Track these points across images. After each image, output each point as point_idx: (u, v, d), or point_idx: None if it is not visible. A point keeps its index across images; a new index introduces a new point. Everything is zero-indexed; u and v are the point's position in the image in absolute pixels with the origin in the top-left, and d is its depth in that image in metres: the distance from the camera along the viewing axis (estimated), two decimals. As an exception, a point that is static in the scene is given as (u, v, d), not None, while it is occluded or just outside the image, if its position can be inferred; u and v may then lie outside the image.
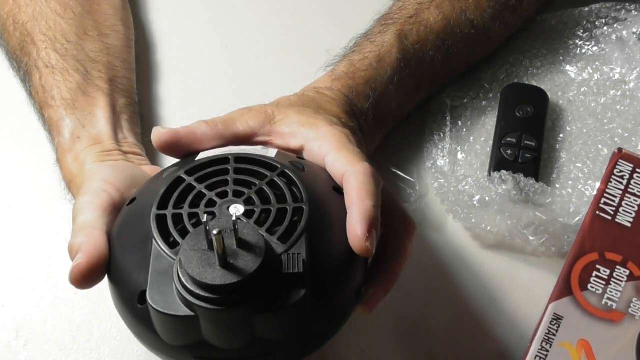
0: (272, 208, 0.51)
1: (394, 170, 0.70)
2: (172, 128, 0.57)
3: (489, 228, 0.65)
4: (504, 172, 0.66)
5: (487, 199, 0.65)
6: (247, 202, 0.51)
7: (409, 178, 0.70)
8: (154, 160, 0.68)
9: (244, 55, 0.80)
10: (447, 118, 0.73)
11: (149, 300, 0.47)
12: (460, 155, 0.71)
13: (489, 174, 0.68)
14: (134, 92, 0.72)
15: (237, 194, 0.52)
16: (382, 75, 0.67)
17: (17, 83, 0.74)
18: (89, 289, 0.63)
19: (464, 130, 0.73)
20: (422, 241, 0.66)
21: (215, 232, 0.44)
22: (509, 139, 0.70)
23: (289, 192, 0.52)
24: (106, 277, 0.53)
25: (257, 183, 0.52)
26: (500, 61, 0.77)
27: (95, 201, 0.56)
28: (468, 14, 0.72)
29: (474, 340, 0.62)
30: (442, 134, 0.72)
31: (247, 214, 0.50)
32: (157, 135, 0.57)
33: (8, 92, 0.76)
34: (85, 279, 0.52)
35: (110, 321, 0.62)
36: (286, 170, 0.53)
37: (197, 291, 0.46)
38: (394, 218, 0.57)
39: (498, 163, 0.68)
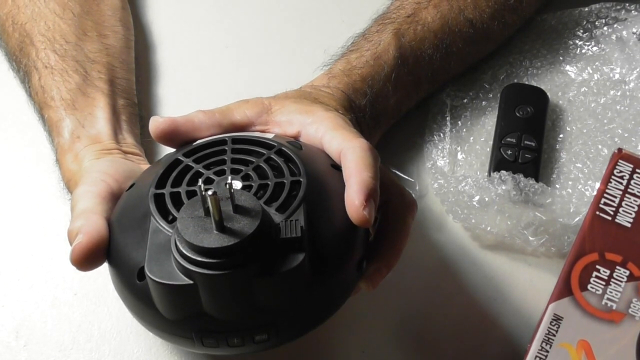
0: (269, 182, 0.51)
1: (394, 170, 0.70)
2: (170, 117, 0.57)
3: (488, 228, 0.65)
4: (503, 172, 0.66)
5: (486, 199, 0.65)
6: (245, 178, 0.52)
7: (409, 178, 0.70)
8: (152, 161, 0.68)
9: (243, 56, 0.80)
10: (447, 118, 0.73)
11: (147, 272, 0.47)
12: (460, 156, 0.71)
13: (489, 174, 0.68)
14: (133, 93, 0.72)
15: (235, 172, 0.52)
16: (379, 73, 0.67)
17: (16, 84, 0.74)
18: (89, 290, 0.64)
19: (464, 130, 0.73)
20: (421, 241, 0.66)
21: (210, 192, 0.44)
22: (508, 139, 0.70)
23: (287, 168, 0.52)
24: (107, 268, 0.53)
25: (255, 161, 0.53)
26: (500, 61, 0.77)
27: (93, 190, 0.56)
28: (466, 13, 0.72)
29: (474, 341, 0.61)
30: (442, 134, 0.72)
31: (245, 189, 0.51)
32: (155, 124, 0.57)
33: (8, 92, 0.76)
34: (86, 257, 0.51)
35: (110, 321, 0.62)
36: (283, 148, 0.53)
37: (195, 257, 0.45)
38: (393, 195, 0.57)
39: (498, 163, 0.68)
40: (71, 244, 0.52)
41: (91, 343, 0.61)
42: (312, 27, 0.83)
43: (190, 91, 0.78)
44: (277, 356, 0.61)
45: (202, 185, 0.46)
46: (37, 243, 0.67)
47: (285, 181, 0.51)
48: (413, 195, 0.68)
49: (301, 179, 0.51)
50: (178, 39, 0.82)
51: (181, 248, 0.46)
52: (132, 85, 0.72)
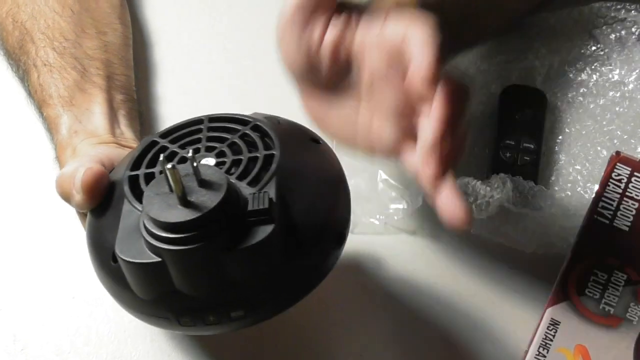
0: (243, 158, 0.51)
1: (388, 178, 0.70)
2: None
3: (487, 231, 0.65)
4: (502, 174, 0.66)
5: (485, 201, 0.65)
6: (219, 155, 0.51)
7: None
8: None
9: (242, 54, 0.80)
10: (446, 119, 0.73)
11: (117, 252, 0.46)
12: (458, 157, 0.71)
13: (488, 177, 0.68)
14: (132, 89, 0.72)
15: (209, 149, 0.52)
16: None
17: (16, 82, 0.74)
18: (87, 293, 0.64)
19: (463, 132, 0.72)
20: (420, 244, 0.66)
21: (168, 166, 0.44)
22: (507, 142, 0.69)
23: (262, 143, 0.52)
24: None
25: (229, 137, 0.52)
26: (500, 61, 0.76)
27: (85, 164, 0.55)
28: None
29: (472, 344, 0.62)
30: (440, 136, 0.72)
31: (218, 165, 0.50)
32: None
33: (8, 91, 0.76)
34: (96, 182, 0.52)
35: (107, 325, 0.62)
36: (259, 124, 0.53)
37: (161, 233, 0.45)
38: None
39: (497, 165, 0.68)
40: (67, 190, 0.53)
41: (89, 346, 0.62)
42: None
43: (189, 89, 0.78)
44: (274, 358, 0.61)
45: (162, 157, 0.46)
46: (36, 245, 0.67)
47: (258, 155, 0.50)
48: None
49: (274, 152, 0.50)
50: (177, 37, 0.82)
51: (148, 226, 0.46)
52: (131, 82, 0.72)
